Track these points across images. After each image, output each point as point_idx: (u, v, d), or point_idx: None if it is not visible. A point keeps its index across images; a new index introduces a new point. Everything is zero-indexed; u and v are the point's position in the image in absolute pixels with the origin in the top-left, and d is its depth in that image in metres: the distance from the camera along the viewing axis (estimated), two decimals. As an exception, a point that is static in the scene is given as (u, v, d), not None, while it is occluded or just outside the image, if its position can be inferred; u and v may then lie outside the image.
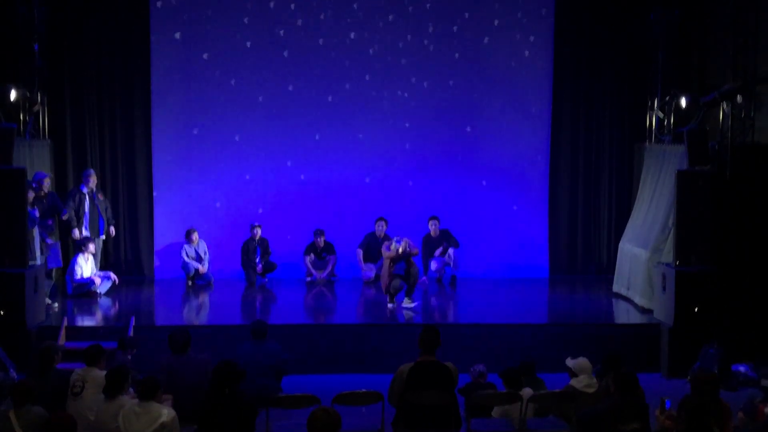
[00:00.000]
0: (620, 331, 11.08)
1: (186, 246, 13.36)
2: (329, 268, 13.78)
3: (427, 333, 6.96)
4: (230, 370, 6.70)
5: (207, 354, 8.44)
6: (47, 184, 11.97)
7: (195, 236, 13.36)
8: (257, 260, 13.38)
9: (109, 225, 12.92)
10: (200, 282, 13.40)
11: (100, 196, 12.85)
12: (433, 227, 13.48)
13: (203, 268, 13.35)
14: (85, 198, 12.62)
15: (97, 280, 12.31)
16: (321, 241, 13.68)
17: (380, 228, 13.59)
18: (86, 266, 12.33)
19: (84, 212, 12.59)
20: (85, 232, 12.56)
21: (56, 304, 11.72)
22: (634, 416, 6.69)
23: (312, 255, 13.78)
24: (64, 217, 12.40)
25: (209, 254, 13.55)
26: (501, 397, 7.85)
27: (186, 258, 13.33)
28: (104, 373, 7.48)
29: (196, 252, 13.40)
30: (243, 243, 13.46)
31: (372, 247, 13.66)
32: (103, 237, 12.95)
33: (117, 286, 12.77)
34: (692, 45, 13.29)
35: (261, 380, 8.63)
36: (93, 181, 12.71)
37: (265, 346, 8.90)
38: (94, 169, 13.30)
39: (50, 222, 11.99)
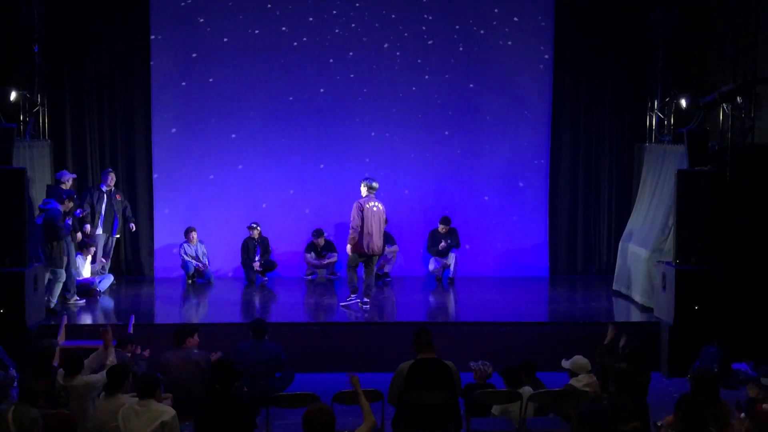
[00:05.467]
0: (620, 329, 11.04)
1: (185, 245, 13.38)
2: (329, 261, 13.72)
3: (419, 335, 6.98)
4: (227, 369, 6.68)
5: (206, 352, 8.49)
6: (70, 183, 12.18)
7: (194, 236, 13.37)
8: (257, 259, 13.38)
9: (128, 222, 13.07)
10: (200, 281, 13.42)
11: (118, 197, 12.91)
12: (441, 227, 13.47)
13: (203, 267, 13.36)
14: (103, 196, 12.72)
15: (96, 279, 12.36)
16: (320, 241, 13.68)
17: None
18: (85, 267, 12.35)
19: (100, 210, 12.66)
20: (99, 230, 12.66)
21: (57, 301, 11.77)
22: (633, 415, 6.68)
23: (312, 253, 13.77)
24: (81, 215, 12.47)
25: (208, 254, 13.58)
26: (501, 395, 7.85)
27: (185, 257, 13.34)
28: (90, 378, 7.45)
29: (195, 251, 13.42)
30: (243, 241, 13.47)
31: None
32: (117, 236, 13.04)
33: (117, 286, 12.84)
34: (692, 45, 13.28)
35: (261, 379, 8.63)
36: (111, 179, 12.82)
37: (265, 345, 8.90)
38: (93, 169, 13.34)
39: (68, 221, 11.99)
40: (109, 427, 6.73)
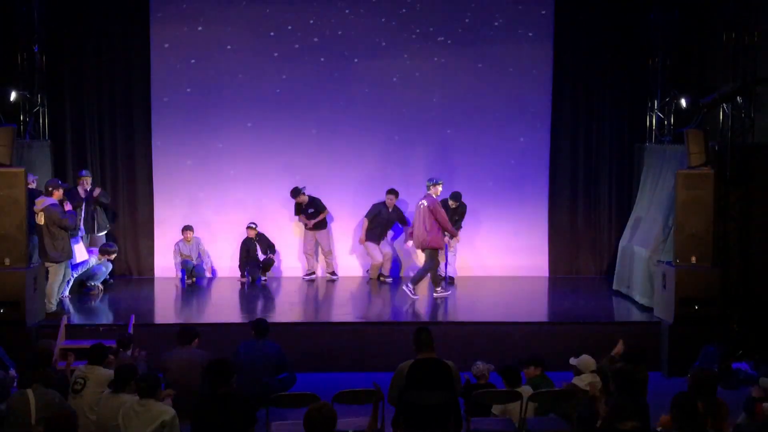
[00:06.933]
0: (620, 329, 11.02)
1: (180, 243, 13.38)
2: (318, 218, 13.61)
3: (420, 335, 6.97)
4: (222, 367, 6.67)
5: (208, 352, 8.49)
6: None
7: (189, 235, 13.36)
8: (258, 256, 13.38)
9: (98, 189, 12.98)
10: (200, 281, 13.41)
11: (95, 193, 12.83)
12: (451, 202, 13.31)
13: (196, 263, 13.39)
14: (81, 199, 12.66)
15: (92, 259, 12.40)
16: (302, 199, 13.52)
17: (390, 201, 13.57)
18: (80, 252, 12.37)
19: (80, 214, 12.63)
20: (81, 231, 12.64)
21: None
22: (633, 415, 6.67)
23: (302, 214, 13.68)
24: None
25: (208, 252, 13.64)
26: (501, 395, 7.84)
27: (180, 255, 13.33)
28: (107, 371, 7.51)
29: (190, 251, 13.41)
30: (242, 242, 13.48)
31: (382, 218, 13.59)
32: (101, 233, 13.00)
33: (117, 286, 12.90)
34: (692, 45, 13.29)
35: (262, 378, 8.63)
36: (86, 182, 12.74)
37: (266, 345, 8.91)
38: (93, 169, 13.34)
39: (68, 208, 11.95)
40: (110, 425, 6.75)
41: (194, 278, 13.43)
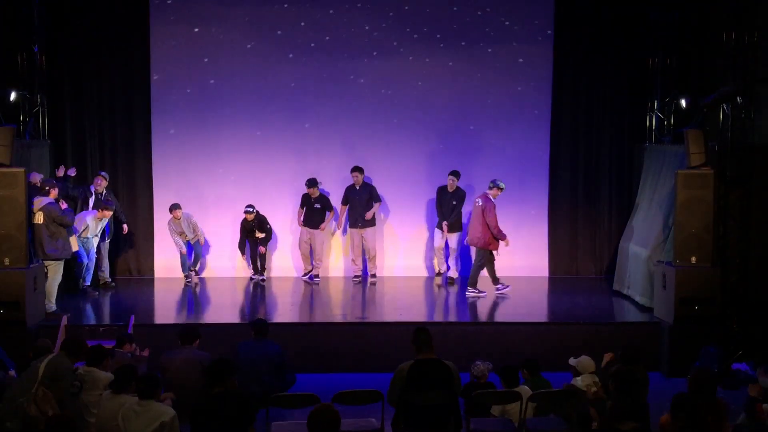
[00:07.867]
0: (620, 329, 11.08)
1: (170, 222, 13.33)
2: (324, 222, 13.55)
3: (419, 335, 6.97)
4: (221, 367, 6.66)
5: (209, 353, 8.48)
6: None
7: (178, 213, 13.23)
8: (257, 235, 13.40)
9: (121, 224, 13.19)
10: (200, 285, 13.41)
11: (109, 200, 12.86)
12: (450, 180, 13.32)
13: (191, 239, 13.37)
14: (92, 196, 12.69)
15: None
16: (314, 192, 13.44)
17: (356, 179, 13.48)
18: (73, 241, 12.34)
19: (86, 208, 12.63)
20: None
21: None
22: (632, 415, 6.68)
23: (305, 208, 13.61)
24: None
25: (197, 225, 13.52)
26: (500, 395, 7.84)
27: (174, 237, 13.30)
28: (105, 373, 7.51)
29: (182, 227, 13.32)
30: (241, 223, 13.47)
31: (352, 200, 13.49)
32: (108, 240, 12.99)
33: (117, 285, 12.95)
34: (692, 45, 13.30)
35: (262, 378, 8.63)
36: (99, 183, 12.77)
37: (266, 345, 8.91)
38: (93, 169, 13.35)
39: (65, 206, 11.96)
40: (110, 426, 6.75)
41: (194, 269, 13.46)
